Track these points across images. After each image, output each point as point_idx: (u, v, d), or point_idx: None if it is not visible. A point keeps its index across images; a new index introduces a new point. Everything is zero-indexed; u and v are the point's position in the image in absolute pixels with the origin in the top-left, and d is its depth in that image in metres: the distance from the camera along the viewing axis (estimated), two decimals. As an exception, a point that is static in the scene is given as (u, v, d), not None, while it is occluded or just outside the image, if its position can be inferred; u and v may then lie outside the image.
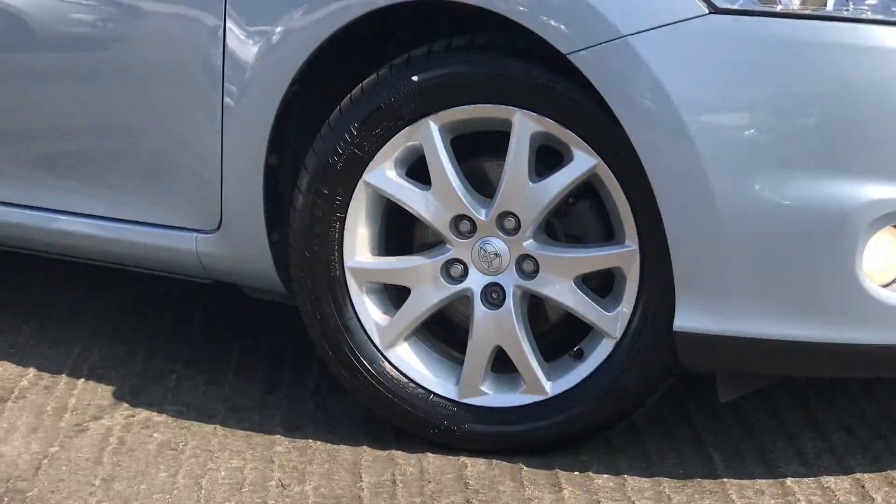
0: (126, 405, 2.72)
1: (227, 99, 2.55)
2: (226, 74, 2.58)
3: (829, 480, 2.24)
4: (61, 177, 3.05)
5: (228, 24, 2.57)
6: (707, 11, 2.19)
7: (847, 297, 2.13)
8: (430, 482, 2.25)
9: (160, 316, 3.26)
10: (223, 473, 2.35)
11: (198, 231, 2.71)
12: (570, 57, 2.22)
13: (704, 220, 2.15)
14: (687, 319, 2.15)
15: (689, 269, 2.15)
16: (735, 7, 2.18)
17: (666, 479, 2.25)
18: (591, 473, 2.26)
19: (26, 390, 2.81)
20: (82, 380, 2.87)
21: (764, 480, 2.24)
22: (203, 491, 2.23)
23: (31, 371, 2.93)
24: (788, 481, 2.22)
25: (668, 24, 2.21)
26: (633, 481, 2.23)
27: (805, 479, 2.24)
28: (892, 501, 2.14)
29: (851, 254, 2.11)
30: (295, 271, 2.44)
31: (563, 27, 2.22)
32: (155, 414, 2.65)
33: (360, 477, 2.34)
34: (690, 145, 2.12)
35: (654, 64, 2.16)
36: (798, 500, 2.17)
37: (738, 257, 2.14)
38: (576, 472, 2.29)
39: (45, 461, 2.41)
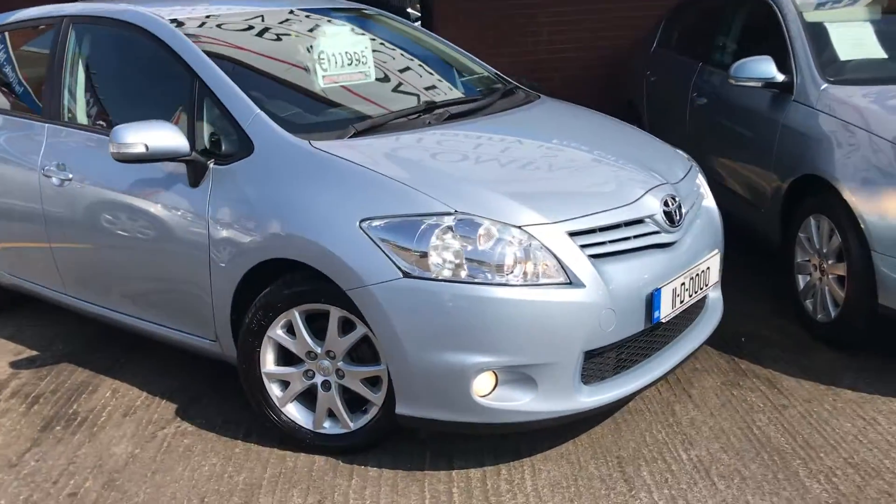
0: (178, 419, 3.31)
1: (213, 285, 3.07)
2: (212, 276, 3.08)
3: (480, 469, 2.85)
4: (138, 302, 3.48)
5: (211, 246, 3.04)
6: (402, 276, 2.66)
7: (466, 402, 2.71)
8: (299, 467, 2.92)
9: (196, 374, 3.62)
10: (210, 463, 3.00)
11: (207, 339, 3.24)
12: (346, 292, 2.76)
13: (404, 366, 2.69)
14: (400, 408, 2.77)
15: (400, 387, 2.74)
16: (414, 275, 2.65)
17: (401, 470, 2.89)
18: (368, 467, 2.91)
19: (138, 408, 3.39)
20: (164, 401, 3.46)
21: (444, 472, 2.85)
22: (199, 469, 2.93)
23: (144, 393, 3.49)
24: (455, 471, 2.85)
25: (387, 281, 2.68)
26: (388, 472, 2.87)
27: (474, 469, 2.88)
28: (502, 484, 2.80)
29: (468, 384, 2.67)
30: (241, 372, 3.04)
31: (343, 276, 2.73)
32: (189, 424, 3.26)
33: (266, 468, 2.95)
34: (397, 336, 2.66)
35: (380, 296, 2.65)
36: (469, 477, 2.80)
37: (421, 383, 2.70)
38: (362, 466, 2.91)
39: (133, 456, 3.07)
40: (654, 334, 3.01)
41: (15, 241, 3.96)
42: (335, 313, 2.82)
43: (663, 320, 2.92)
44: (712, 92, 4.95)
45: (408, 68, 3.92)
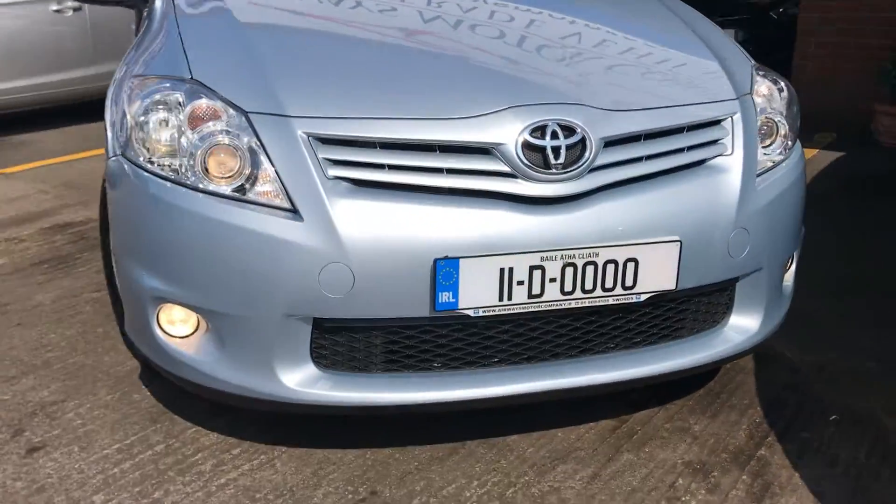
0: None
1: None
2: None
3: (215, 437, 2.07)
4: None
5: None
6: (119, 154, 1.96)
7: (148, 336, 1.96)
8: (75, 366, 2.40)
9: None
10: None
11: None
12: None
13: (118, 272, 2.01)
14: (126, 326, 2.06)
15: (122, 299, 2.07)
16: (126, 155, 1.92)
17: (150, 412, 2.21)
18: (137, 397, 2.28)
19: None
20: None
21: (176, 429, 2.12)
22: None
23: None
24: (190, 431, 2.12)
25: (109, 157, 2.00)
26: (137, 408, 2.23)
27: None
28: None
29: (147, 314, 1.93)
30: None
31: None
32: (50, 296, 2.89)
33: (35, 353, 2.46)
34: (114, 231, 1.97)
35: (108, 176, 1.98)
36: (184, 442, 2.06)
37: (125, 299, 1.98)
38: (134, 396, 2.29)
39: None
40: (493, 336, 1.81)
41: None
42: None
43: (469, 313, 1.72)
44: None
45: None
